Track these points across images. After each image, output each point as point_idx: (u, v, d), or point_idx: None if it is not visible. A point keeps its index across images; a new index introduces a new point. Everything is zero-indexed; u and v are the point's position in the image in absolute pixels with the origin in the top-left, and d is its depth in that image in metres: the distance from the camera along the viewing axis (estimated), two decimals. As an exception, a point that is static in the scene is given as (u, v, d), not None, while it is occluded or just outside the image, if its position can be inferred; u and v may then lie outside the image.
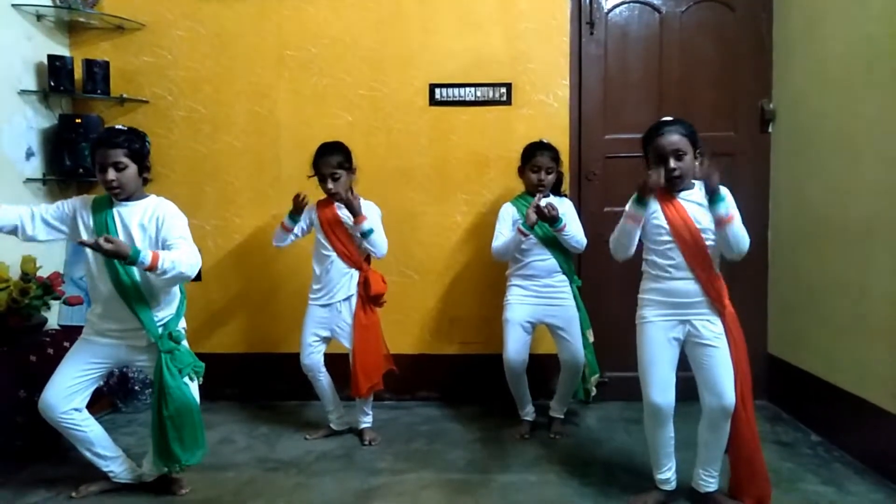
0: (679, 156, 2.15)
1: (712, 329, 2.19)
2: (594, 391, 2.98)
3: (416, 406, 3.31)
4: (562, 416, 3.00)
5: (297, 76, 3.36)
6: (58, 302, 2.92)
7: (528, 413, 2.98)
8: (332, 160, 2.76)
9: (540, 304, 2.86)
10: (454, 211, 3.36)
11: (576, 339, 2.86)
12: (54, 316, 3.05)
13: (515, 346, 2.84)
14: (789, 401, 3.20)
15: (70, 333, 2.94)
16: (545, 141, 2.93)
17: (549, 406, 3.02)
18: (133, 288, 2.23)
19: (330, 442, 2.88)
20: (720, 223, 2.13)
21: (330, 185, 2.76)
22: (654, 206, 2.22)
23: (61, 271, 3.04)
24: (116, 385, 3.17)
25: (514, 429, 2.95)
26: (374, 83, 3.35)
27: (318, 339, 2.85)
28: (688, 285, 2.19)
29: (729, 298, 2.25)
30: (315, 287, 2.86)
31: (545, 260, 2.84)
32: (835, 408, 2.78)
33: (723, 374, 2.16)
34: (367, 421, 2.92)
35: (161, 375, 2.23)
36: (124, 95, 3.27)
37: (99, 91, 3.22)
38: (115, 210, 2.27)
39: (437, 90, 3.34)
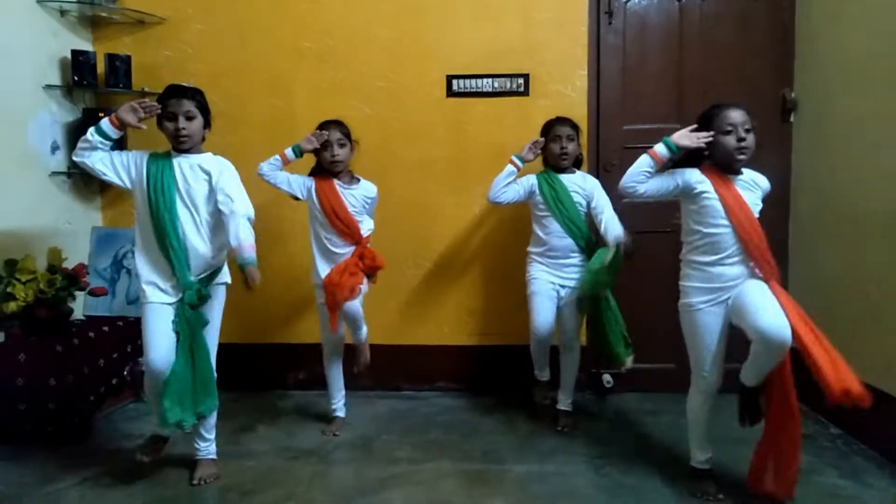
0: (748, 130, 2.16)
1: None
2: (629, 361, 2.88)
3: (433, 396, 3.34)
4: (569, 409, 2.99)
5: (314, 69, 3.37)
6: (83, 293, 2.99)
7: (545, 375, 2.99)
8: (340, 129, 2.80)
9: (559, 277, 2.87)
10: (472, 202, 3.37)
11: (573, 318, 2.88)
12: (80, 307, 3.12)
13: (545, 314, 2.83)
14: (809, 394, 3.16)
15: (96, 323, 3.01)
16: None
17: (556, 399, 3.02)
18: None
19: (347, 431, 2.91)
20: None
21: (337, 152, 2.77)
22: (707, 187, 2.20)
23: (86, 263, 3.10)
24: (140, 374, 3.23)
25: (538, 394, 2.99)
26: (392, 75, 3.36)
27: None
28: (735, 269, 2.18)
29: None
30: (317, 269, 2.83)
31: (563, 238, 2.85)
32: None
33: (764, 304, 2.06)
34: (362, 336, 2.90)
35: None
36: (145, 89, 3.31)
37: (121, 85, 3.27)
38: (174, 160, 2.37)
39: (455, 81, 3.34)
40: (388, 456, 2.66)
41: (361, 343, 2.90)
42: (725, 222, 2.17)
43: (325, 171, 2.84)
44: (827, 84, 2.99)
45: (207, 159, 2.41)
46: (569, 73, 3.31)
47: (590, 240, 2.87)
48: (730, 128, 2.17)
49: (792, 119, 3.25)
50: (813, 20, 3.11)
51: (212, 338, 2.41)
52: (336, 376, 2.97)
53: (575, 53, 3.30)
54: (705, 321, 2.23)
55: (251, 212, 2.35)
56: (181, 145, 2.37)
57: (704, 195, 2.20)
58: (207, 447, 2.48)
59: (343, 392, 3.00)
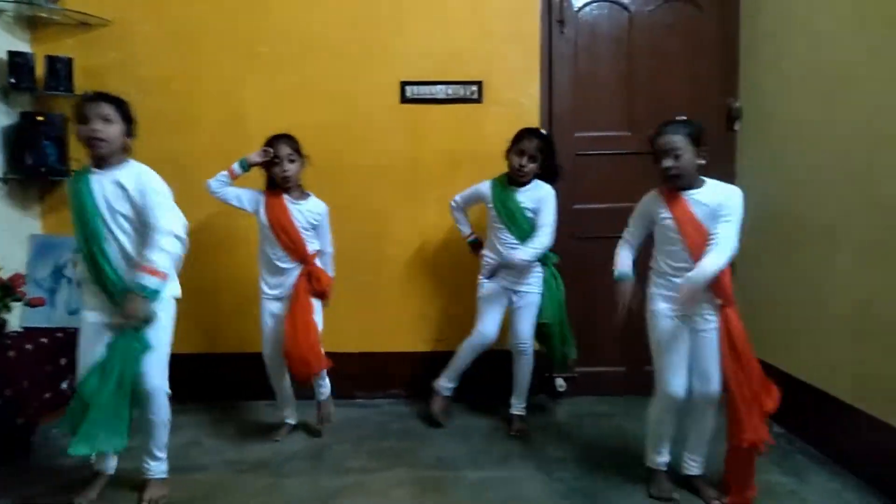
0: (675, 155, 2.22)
1: (707, 319, 2.26)
2: (574, 355, 3.00)
3: (388, 404, 3.32)
4: (522, 413, 3.02)
5: (267, 74, 3.32)
6: (20, 303, 2.87)
7: (449, 388, 3.04)
8: (290, 144, 2.76)
9: (510, 282, 2.91)
10: (427, 209, 3.37)
11: (526, 322, 2.91)
12: (17, 318, 2.99)
13: (491, 321, 2.92)
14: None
15: (34, 335, 2.89)
16: (541, 130, 2.92)
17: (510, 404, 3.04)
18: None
19: (299, 442, 2.87)
20: None
21: (287, 167, 2.74)
22: (664, 211, 2.28)
23: (23, 272, 2.98)
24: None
25: (437, 405, 3.04)
26: (346, 81, 3.33)
27: (276, 330, 2.82)
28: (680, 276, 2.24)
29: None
30: (264, 282, 2.82)
31: (514, 247, 2.86)
32: (797, 401, 2.84)
33: (710, 361, 2.25)
34: (324, 392, 2.92)
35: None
36: (88, 93, 3.20)
37: (62, 88, 3.15)
38: (91, 177, 2.21)
39: (409, 88, 3.34)
40: (341, 465, 2.63)
41: (324, 400, 2.91)
42: (678, 237, 2.24)
43: (276, 185, 2.80)
44: (769, 94, 3.09)
45: (126, 172, 2.23)
46: (522, 81, 3.34)
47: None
48: (660, 153, 2.25)
49: (736, 127, 3.35)
50: (755, 31, 3.21)
51: (158, 358, 2.26)
52: (284, 387, 2.93)
53: (528, 61, 3.34)
54: (668, 328, 2.28)
55: (176, 227, 2.20)
56: (96, 150, 2.19)
57: (663, 217, 2.29)
58: (158, 466, 2.37)
59: (293, 402, 2.97)
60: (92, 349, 2.19)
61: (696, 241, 2.20)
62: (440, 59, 3.33)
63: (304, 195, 2.83)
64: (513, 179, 2.88)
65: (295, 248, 2.76)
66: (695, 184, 2.27)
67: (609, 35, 3.37)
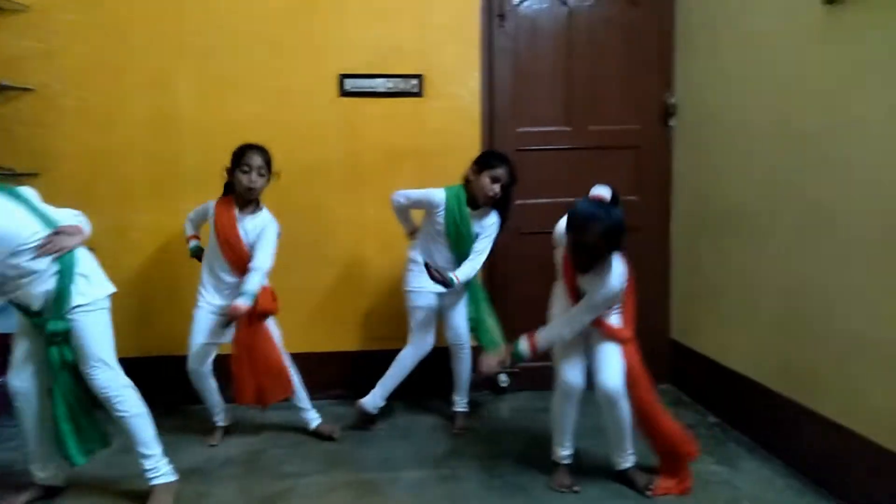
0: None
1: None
2: (500, 340, 2.93)
3: (326, 405, 3.24)
4: (465, 410, 3.01)
5: (198, 65, 3.20)
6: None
7: (378, 403, 2.93)
8: (261, 157, 2.70)
9: (435, 292, 2.85)
10: (366, 204, 3.31)
11: (458, 315, 2.92)
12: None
13: (433, 333, 2.89)
14: (690, 384, 3.34)
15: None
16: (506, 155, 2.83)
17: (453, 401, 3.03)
18: None
19: (235, 447, 2.79)
20: None
21: (255, 179, 2.67)
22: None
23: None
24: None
25: (361, 419, 2.98)
26: (282, 73, 3.24)
27: (206, 343, 2.73)
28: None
29: (635, 287, 2.40)
30: (203, 289, 2.74)
31: (446, 256, 2.84)
32: (731, 391, 2.92)
33: (609, 358, 2.31)
34: (315, 416, 2.89)
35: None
36: (4, 83, 3.03)
37: (-26, 78, 2.97)
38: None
39: (347, 81, 3.27)
40: (276, 471, 2.56)
41: (320, 425, 2.90)
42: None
43: (232, 193, 2.72)
44: (703, 88, 3.14)
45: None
46: (462, 74, 3.31)
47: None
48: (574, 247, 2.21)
49: (672, 123, 3.40)
50: (691, 25, 3.26)
51: (99, 357, 2.21)
52: (210, 391, 2.84)
53: (468, 55, 3.31)
54: None
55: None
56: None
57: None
58: (153, 466, 2.28)
59: (223, 404, 2.88)
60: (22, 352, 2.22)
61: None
62: (380, 52, 3.26)
63: (257, 209, 2.75)
64: (472, 201, 2.79)
65: (238, 264, 2.68)
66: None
67: (549, 30, 3.36)
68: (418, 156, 3.29)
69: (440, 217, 2.79)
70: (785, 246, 2.52)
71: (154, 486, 2.28)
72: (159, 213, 3.20)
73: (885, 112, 2.02)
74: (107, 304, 2.26)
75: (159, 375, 3.27)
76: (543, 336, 2.33)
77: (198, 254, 2.84)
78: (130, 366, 3.16)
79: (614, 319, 2.34)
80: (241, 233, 2.69)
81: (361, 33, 3.26)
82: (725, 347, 2.99)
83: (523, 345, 2.34)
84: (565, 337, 2.29)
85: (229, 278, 2.71)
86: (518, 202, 3.32)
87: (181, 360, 3.22)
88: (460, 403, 3.01)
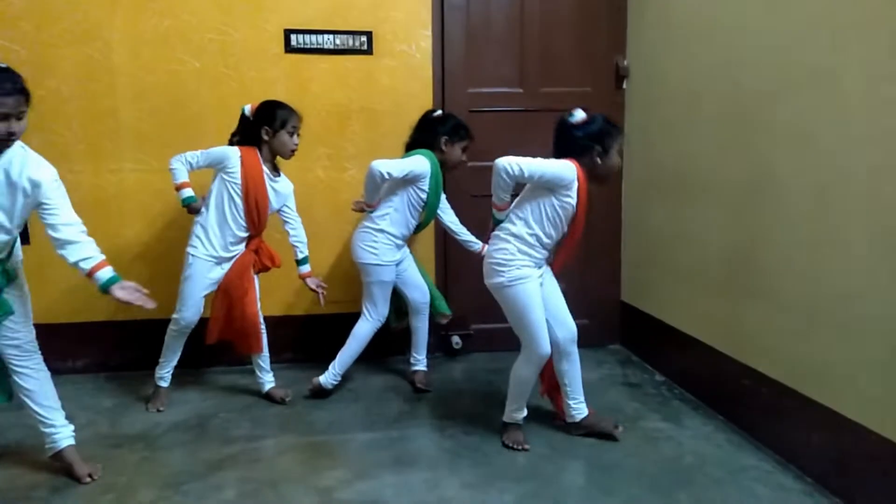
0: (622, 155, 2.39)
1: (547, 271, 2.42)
2: (446, 310, 3.05)
3: (278, 369, 3.16)
4: (426, 368, 3.02)
5: (134, 16, 3.02)
6: None
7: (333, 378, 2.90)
8: (300, 119, 2.65)
9: (398, 252, 2.87)
10: (315, 165, 3.22)
11: (420, 278, 2.94)
12: None
13: (386, 305, 2.88)
14: (639, 345, 3.41)
15: None
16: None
17: (410, 360, 3.04)
18: None
19: (181, 412, 2.72)
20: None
21: (296, 141, 2.63)
22: (572, 194, 2.26)
23: None
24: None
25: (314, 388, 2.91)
26: (224, 27, 3.09)
27: (204, 296, 2.70)
28: (550, 248, 2.38)
29: (584, 249, 2.51)
30: (203, 240, 2.64)
31: (411, 226, 2.85)
32: (676, 350, 3.00)
33: (563, 305, 2.41)
34: (270, 380, 2.86)
35: None
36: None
37: None
38: None
39: (294, 36, 3.14)
40: (225, 435, 2.51)
41: (273, 388, 2.86)
42: (565, 220, 2.33)
43: (256, 145, 2.64)
44: (655, 52, 3.15)
45: (14, 159, 1.91)
46: (413, 32, 3.23)
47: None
48: (621, 152, 2.36)
49: (624, 86, 3.40)
50: (642, -10, 3.24)
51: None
52: (177, 349, 2.75)
53: (418, 13, 3.22)
54: (532, 291, 2.30)
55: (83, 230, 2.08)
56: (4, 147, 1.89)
57: (565, 197, 2.28)
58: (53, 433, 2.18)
59: (173, 365, 2.79)
60: None
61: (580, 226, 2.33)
62: (327, 7, 3.15)
63: (277, 172, 2.71)
64: (443, 167, 2.82)
65: (256, 224, 2.66)
66: None
67: (502, -12, 3.29)
68: (368, 115, 3.22)
69: (424, 186, 2.75)
70: (732, 208, 2.57)
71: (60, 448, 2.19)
72: (97, 173, 3.05)
73: (833, 70, 2.05)
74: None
75: (102, 339, 3.17)
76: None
77: (194, 206, 2.65)
78: (78, 330, 3.08)
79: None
80: (271, 192, 2.66)
81: (308, -13, 3.13)
82: (672, 309, 3.06)
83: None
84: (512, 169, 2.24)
85: (243, 234, 2.67)
86: (470, 164, 3.29)
87: (126, 324, 3.13)
88: (422, 362, 3.02)
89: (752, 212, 2.43)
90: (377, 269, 2.79)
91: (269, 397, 2.84)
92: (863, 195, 1.92)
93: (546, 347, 2.31)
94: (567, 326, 2.39)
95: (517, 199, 2.39)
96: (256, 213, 2.64)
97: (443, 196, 2.89)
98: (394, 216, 2.78)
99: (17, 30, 2.94)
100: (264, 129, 2.60)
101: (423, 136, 2.82)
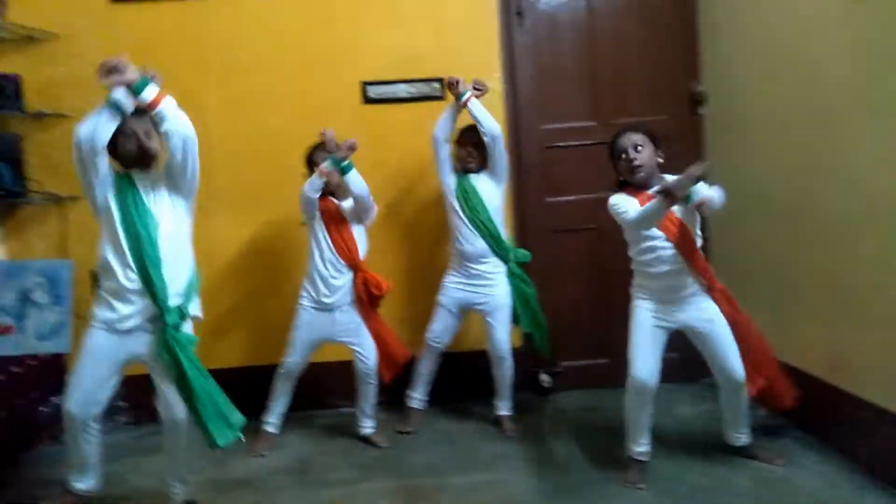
0: (637, 148, 2.33)
1: (705, 310, 2.36)
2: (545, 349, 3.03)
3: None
4: (509, 413, 2.99)
5: (224, 81, 3.25)
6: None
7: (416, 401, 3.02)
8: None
9: (469, 291, 2.89)
10: (398, 211, 3.32)
11: (501, 328, 2.90)
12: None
13: (439, 327, 2.93)
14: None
15: (4, 364, 2.80)
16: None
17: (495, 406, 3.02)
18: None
19: (281, 457, 2.81)
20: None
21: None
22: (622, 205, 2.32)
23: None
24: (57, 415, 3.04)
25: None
26: (304, 84, 3.27)
27: (310, 343, 2.84)
28: (673, 277, 2.34)
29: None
30: (309, 287, 2.81)
31: (474, 243, 2.85)
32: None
33: (726, 353, 2.36)
34: (370, 426, 2.92)
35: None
36: (41, 110, 3.10)
37: (11, 107, 3.04)
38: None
39: (370, 88, 3.28)
40: (327, 478, 2.59)
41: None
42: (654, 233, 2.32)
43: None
44: (731, 75, 3.09)
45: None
46: (483, 75, 3.23)
47: (501, 241, 2.88)
48: (621, 151, 2.35)
49: (702, 111, 3.34)
50: (715, 14, 3.20)
51: None
52: (284, 393, 2.87)
53: (488, 55, 3.29)
54: (642, 319, 2.35)
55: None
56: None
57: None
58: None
59: (283, 411, 2.91)
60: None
61: (673, 232, 2.29)
62: (400, 57, 3.27)
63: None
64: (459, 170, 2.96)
65: (347, 251, 2.77)
66: (654, 181, 2.31)
67: (569, 23, 3.33)
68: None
69: (447, 190, 2.89)
70: (823, 231, 2.48)
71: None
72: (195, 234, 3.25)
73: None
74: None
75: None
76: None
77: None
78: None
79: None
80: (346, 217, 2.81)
81: (380, 41, 3.27)
82: (771, 337, 2.93)
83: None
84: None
85: (340, 269, 2.79)
86: (548, 200, 3.32)
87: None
88: (504, 407, 2.99)
89: (848, 233, 2.34)
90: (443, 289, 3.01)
91: (367, 441, 2.90)
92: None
93: (636, 372, 2.31)
94: (726, 372, 2.38)
95: None
96: (339, 237, 2.78)
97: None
98: (453, 259, 3.02)
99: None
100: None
101: None
